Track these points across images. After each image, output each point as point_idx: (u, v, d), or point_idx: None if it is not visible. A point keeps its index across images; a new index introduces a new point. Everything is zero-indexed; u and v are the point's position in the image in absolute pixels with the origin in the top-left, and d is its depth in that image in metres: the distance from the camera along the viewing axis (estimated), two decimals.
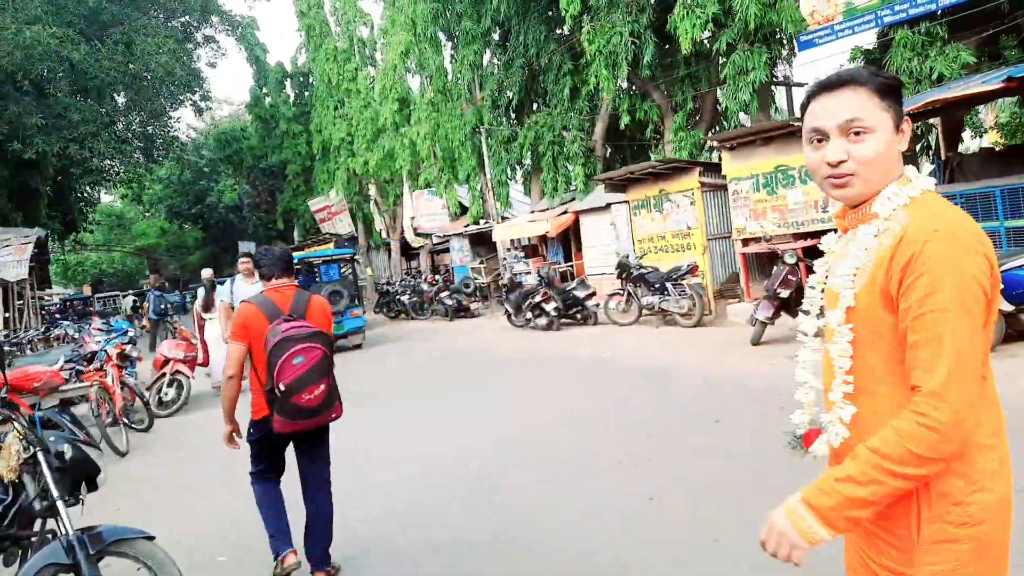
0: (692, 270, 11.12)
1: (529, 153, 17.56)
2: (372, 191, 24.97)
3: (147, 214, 54.59)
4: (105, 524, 2.91)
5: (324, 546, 3.61)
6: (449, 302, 17.33)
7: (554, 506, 4.35)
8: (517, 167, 18.28)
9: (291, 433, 3.49)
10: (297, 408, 3.31)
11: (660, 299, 11.21)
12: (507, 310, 14.07)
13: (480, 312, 18.10)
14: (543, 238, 17.41)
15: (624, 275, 11.89)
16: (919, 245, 1.27)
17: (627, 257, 12.48)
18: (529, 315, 13.08)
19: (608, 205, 14.38)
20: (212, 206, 42.55)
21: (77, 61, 21.57)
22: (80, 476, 3.04)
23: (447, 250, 23.27)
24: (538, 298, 12.81)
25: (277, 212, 33.30)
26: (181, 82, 24.40)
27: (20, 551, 3.06)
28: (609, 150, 18.18)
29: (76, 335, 17.93)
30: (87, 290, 45.31)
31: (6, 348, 11.95)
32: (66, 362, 9.86)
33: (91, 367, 8.49)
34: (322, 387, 3.35)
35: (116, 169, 26.98)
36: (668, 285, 11.15)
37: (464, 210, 21.68)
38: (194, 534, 4.61)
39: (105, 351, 9.32)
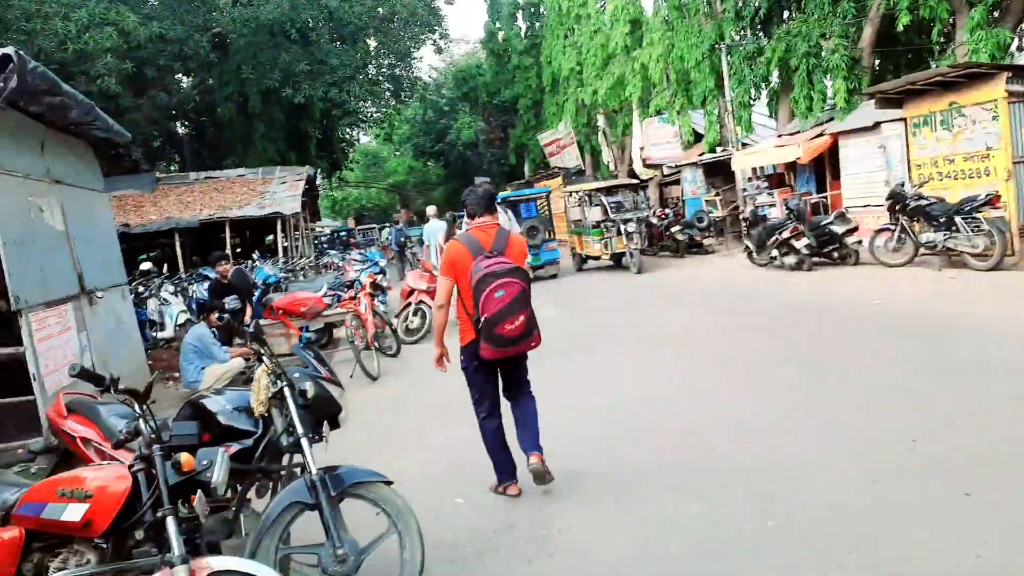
0: (991, 201, 9.09)
1: (777, 69, 15.62)
2: (600, 122, 24.31)
3: (397, 153, 59.48)
4: (345, 466, 2.87)
5: (534, 436, 3.94)
6: (680, 237, 16.38)
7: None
8: (762, 86, 16.37)
9: (496, 360, 3.83)
10: (500, 337, 3.63)
11: (946, 236, 9.37)
12: (748, 247, 12.87)
13: (714, 248, 16.93)
14: (791, 166, 15.58)
15: (897, 207, 10.12)
16: None
17: (901, 186, 10.58)
18: (775, 253, 11.81)
19: (876, 124, 12.29)
20: (451, 143, 44.84)
21: (334, 8, 23.44)
22: (323, 414, 3.04)
23: (677, 182, 22.04)
24: (786, 233, 11.47)
25: (509, 147, 34.06)
26: (423, 21, 25.47)
27: (271, 483, 3.16)
28: (877, 60, 15.55)
29: (340, 263, 20.09)
30: (351, 223, 50.71)
31: (282, 275, 13.54)
32: (328, 289, 10.88)
33: (347, 295, 9.21)
34: (522, 318, 3.64)
35: (369, 110, 29.24)
36: (957, 219, 9.25)
37: (698, 138, 20.21)
38: (434, 469, 4.66)
39: (359, 281, 10.00)
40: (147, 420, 2.44)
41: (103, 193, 7.66)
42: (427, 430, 5.60)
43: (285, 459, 3.13)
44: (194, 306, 12.13)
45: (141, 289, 12.38)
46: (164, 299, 12.25)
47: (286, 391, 2.94)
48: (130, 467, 2.35)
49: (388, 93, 30.53)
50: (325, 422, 3.03)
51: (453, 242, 3.93)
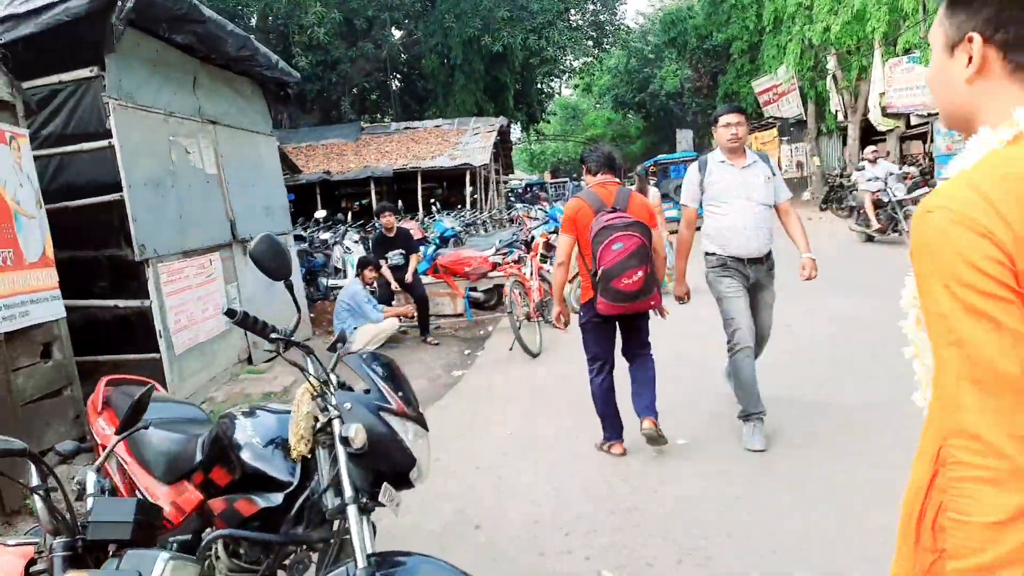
0: None
1: None
2: (831, 64, 20.88)
3: (597, 105, 57.77)
4: (413, 556, 1.78)
5: (650, 400, 3.86)
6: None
7: None
8: None
9: (616, 316, 3.77)
10: (617, 291, 3.57)
11: None
12: None
13: None
14: None
15: None
16: (912, 232, 1.00)
17: None
18: None
19: None
20: (654, 94, 42.30)
21: None
22: (386, 467, 1.96)
23: (923, 136, 18.34)
24: None
25: (718, 96, 31.07)
26: None
27: (312, 557, 2.16)
28: None
29: (532, 214, 19.38)
30: (547, 177, 50.38)
31: (460, 229, 12.94)
32: (503, 245, 10.04)
33: (514, 255, 8.22)
34: (640, 273, 3.57)
35: (569, 59, 28.02)
36: None
37: None
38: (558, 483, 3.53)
39: (534, 237, 8.98)
40: None
41: (269, 136, 7.31)
42: (586, 431, 4.38)
43: (335, 524, 2.11)
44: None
45: (325, 236, 12.45)
46: (347, 247, 12.20)
47: (335, 425, 1.91)
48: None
49: (590, 41, 29.05)
50: (386, 482, 1.95)
51: (575, 199, 3.92)
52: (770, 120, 24.64)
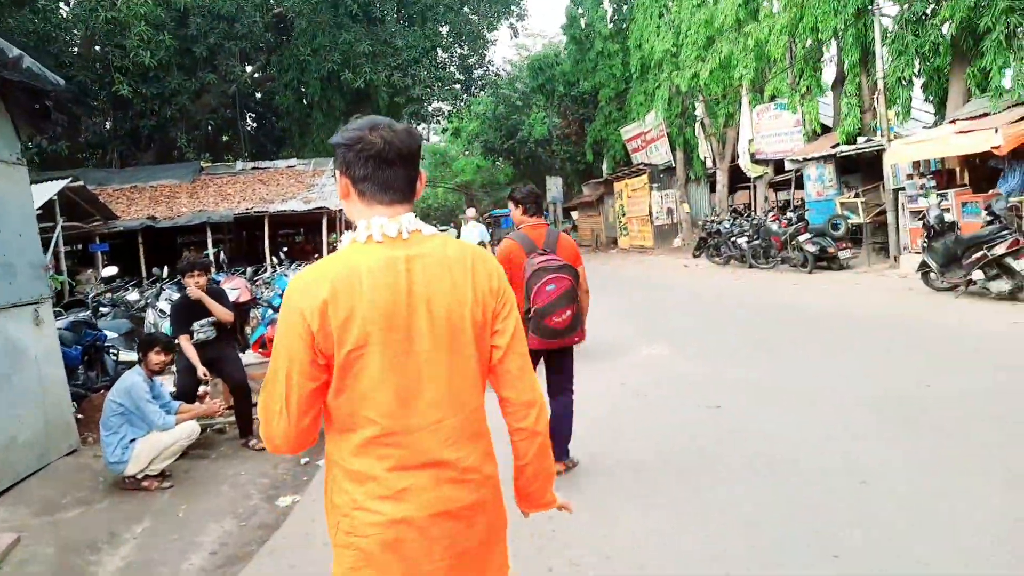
0: None
1: (952, 35, 12.05)
2: (698, 111, 20.99)
3: (465, 152, 57.17)
4: None
5: (564, 442, 4.20)
6: (811, 248, 13.03)
7: None
8: (929, 59, 12.70)
9: (543, 351, 4.01)
10: (548, 328, 3.87)
11: None
12: (928, 264, 9.49)
13: (849, 264, 13.46)
14: (966, 160, 11.99)
15: None
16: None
17: None
18: (978, 275, 8.41)
19: None
20: (523, 140, 42.07)
21: None
22: None
23: (790, 182, 18.55)
24: (1000, 248, 8.08)
25: (586, 143, 31.01)
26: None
27: None
28: None
29: None
30: None
31: None
32: None
33: None
34: (568, 312, 3.89)
35: (436, 100, 26.82)
36: None
37: (824, 129, 16.72)
38: None
39: None
40: None
41: (13, 165, 5.12)
42: None
43: None
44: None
45: (132, 297, 10.03)
46: (162, 310, 9.81)
47: None
48: None
49: (458, 84, 28.08)
50: None
51: (507, 240, 4.17)
52: (640, 167, 24.51)
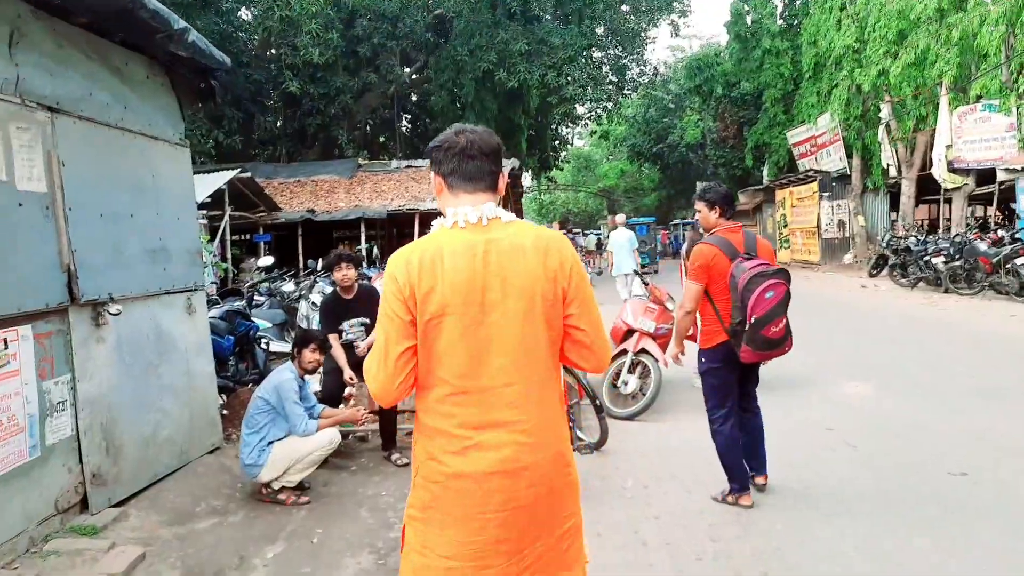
0: None
1: None
2: (883, 112, 18.75)
3: (610, 156, 56.07)
4: None
5: (763, 454, 4.03)
6: None
7: None
8: None
9: (745, 363, 3.75)
10: (765, 339, 3.57)
11: None
12: None
13: None
14: None
15: None
16: None
17: None
18: None
19: None
20: (673, 145, 40.48)
21: None
22: None
23: (986, 196, 16.04)
24: None
25: (746, 147, 29.04)
26: None
27: None
28: None
29: None
30: (556, 226, 48.36)
31: None
32: None
33: None
34: (784, 321, 3.63)
35: (587, 100, 26.11)
36: None
37: None
38: None
39: None
40: None
41: (177, 146, 4.97)
42: None
43: None
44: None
45: (287, 288, 10.09)
46: (315, 303, 9.79)
47: None
48: None
49: (612, 86, 27.23)
50: None
51: (706, 245, 3.77)
52: (809, 173, 22.43)
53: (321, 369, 5.39)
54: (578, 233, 39.71)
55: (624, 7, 24.67)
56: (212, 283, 11.13)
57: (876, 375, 6.89)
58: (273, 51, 20.65)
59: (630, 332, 6.26)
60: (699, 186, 21.04)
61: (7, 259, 3.34)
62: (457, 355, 1.63)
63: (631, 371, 6.11)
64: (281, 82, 19.03)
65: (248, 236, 17.81)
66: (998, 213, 16.16)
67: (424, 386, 1.69)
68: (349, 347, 5.30)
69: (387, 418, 5.23)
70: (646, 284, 6.31)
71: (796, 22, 26.53)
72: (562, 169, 39.37)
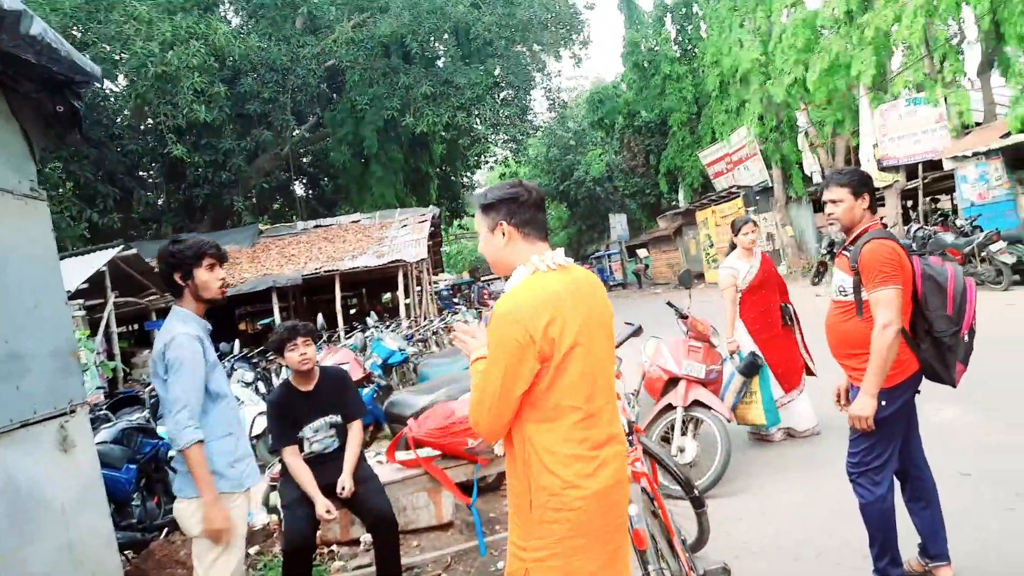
0: None
1: None
2: (800, 120, 18.75)
3: None
4: None
5: (943, 530, 3.00)
6: (1007, 259, 10.56)
7: None
8: None
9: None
10: (970, 349, 2.88)
11: None
12: None
13: None
14: None
15: None
16: (491, 319, 1.88)
17: None
18: None
19: None
20: (579, 181, 40.36)
21: (460, 17, 19.56)
22: None
23: (915, 192, 16.06)
24: None
25: (659, 173, 28.93)
26: (564, 21, 21.23)
27: None
28: None
29: (475, 320, 15.48)
30: (466, 275, 47.03)
31: (410, 348, 8.89)
32: None
33: None
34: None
35: (503, 133, 25.26)
36: None
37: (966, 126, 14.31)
38: None
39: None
40: None
41: (25, 199, 3.20)
42: None
43: None
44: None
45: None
46: (236, 396, 7.87)
47: None
48: None
49: (516, 123, 26.54)
50: None
51: (886, 242, 2.80)
52: (732, 190, 22.26)
53: (280, 503, 3.70)
54: (488, 281, 38.52)
55: (520, 46, 24.12)
56: (99, 389, 8.95)
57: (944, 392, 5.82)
58: (150, 120, 18.56)
59: (673, 381, 4.90)
60: (612, 218, 20.29)
61: None
62: (585, 382, 1.87)
63: (684, 432, 4.72)
64: (162, 150, 16.95)
65: (138, 325, 15.42)
66: (932, 204, 16.14)
67: (548, 418, 1.85)
68: (317, 462, 3.64)
69: (387, 553, 3.55)
70: (683, 316, 4.96)
71: (691, 46, 26.86)
72: (473, 216, 38.33)
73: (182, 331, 2.72)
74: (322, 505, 3.42)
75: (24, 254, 3.18)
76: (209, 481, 2.65)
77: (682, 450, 4.61)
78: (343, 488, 3.49)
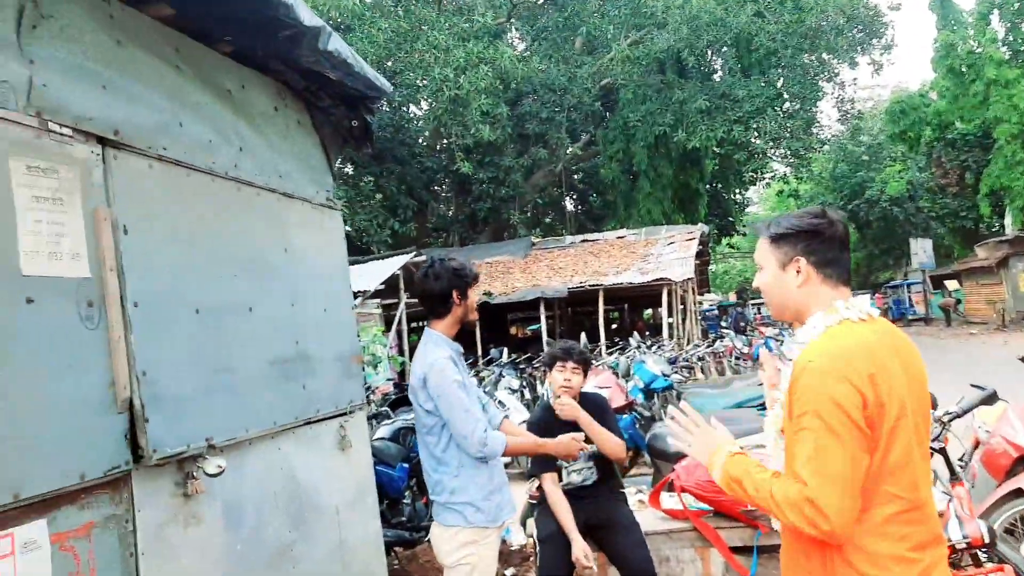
0: None
1: None
2: None
3: None
4: None
5: None
6: None
7: None
8: None
9: None
10: None
11: None
12: None
13: None
14: None
15: None
16: (796, 375, 1.56)
17: None
18: None
19: None
20: (871, 200, 35.95)
21: (741, 28, 18.52)
22: None
23: None
24: None
25: (978, 193, 24.55)
26: (863, 25, 19.05)
27: None
28: None
29: (744, 348, 14.31)
30: (732, 297, 44.61)
31: (673, 374, 8.34)
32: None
33: None
34: None
35: (785, 148, 23.46)
36: None
37: None
38: None
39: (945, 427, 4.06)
40: None
41: (323, 208, 3.44)
42: None
43: None
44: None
45: (478, 383, 8.45)
46: (500, 401, 8.09)
47: None
48: None
49: (800, 135, 24.42)
50: None
51: None
52: None
53: (536, 535, 3.48)
54: (759, 306, 35.85)
55: (808, 55, 22.10)
56: (388, 380, 9.83)
57: None
58: (444, 141, 20.46)
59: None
60: (913, 243, 17.43)
61: (25, 397, 1.80)
62: (909, 465, 1.53)
63: None
64: (453, 168, 18.58)
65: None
66: None
67: (863, 508, 1.51)
68: (574, 496, 3.35)
69: None
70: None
71: None
72: (744, 235, 36.27)
73: (441, 355, 2.64)
74: (579, 548, 3.12)
75: (319, 259, 3.36)
76: (536, 442, 2.86)
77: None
78: (584, 553, 3.12)
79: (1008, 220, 23.53)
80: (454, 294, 2.75)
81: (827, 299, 1.65)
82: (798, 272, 1.67)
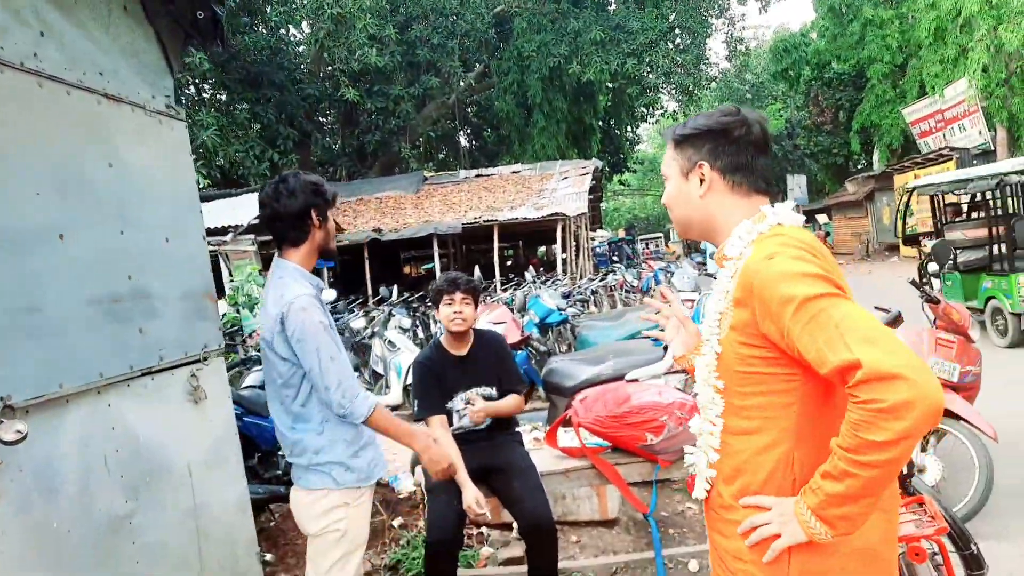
0: None
1: None
2: None
3: None
4: None
5: None
6: None
7: None
8: None
9: None
10: None
11: None
12: None
13: None
14: None
15: None
16: (752, 276, 1.30)
17: None
18: None
19: None
20: None
21: None
22: None
23: None
24: None
25: (850, 131, 25.91)
26: None
27: None
28: None
29: (634, 282, 14.53)
30: (621, 233, 45.69)
31: (569, 308, 8.21)
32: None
33: None
34: None
35: (675, 84, 23.64)
36: None
37: None
38: None
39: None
40: None
41: (158, 116, 2.83)
42: None
43: None
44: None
45: (357, 324, 8.07)
46: (390, 341, 7.72)
47: None
48: None
49: (690, 77, 24.68)
50: None
51: None
52: (942, 152, 19.30)
53: (423, 484, 3.18)
54: (647, 241, 36.92)
55: None
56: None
57: None
58: (328, 67, 19.11)
59: None
60: (789, 179, 18.29)
61: None
62: None
63: (924, 448, 3.68)
64: (338, 96, 17.39)
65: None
66: None
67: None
68: (465, 440, 3.07)
69: (544, 562, 2.95)
70: (935, 300, 3.85)
71: None
72: (635, 172, 36.79)
73: (302, 292, 2.18)
74: (471, 495, 2.85)
75: (156, 181, 2.80)
76: (409, 431, 2.30)
77: (921, 471, 3.59)
78: (476, 500, 2.86)
79: (876, 157, 25.05)
80: (312, 214, 2.27)
81: (738, 211, 1.43)
82: (701, 181, 1.45)
